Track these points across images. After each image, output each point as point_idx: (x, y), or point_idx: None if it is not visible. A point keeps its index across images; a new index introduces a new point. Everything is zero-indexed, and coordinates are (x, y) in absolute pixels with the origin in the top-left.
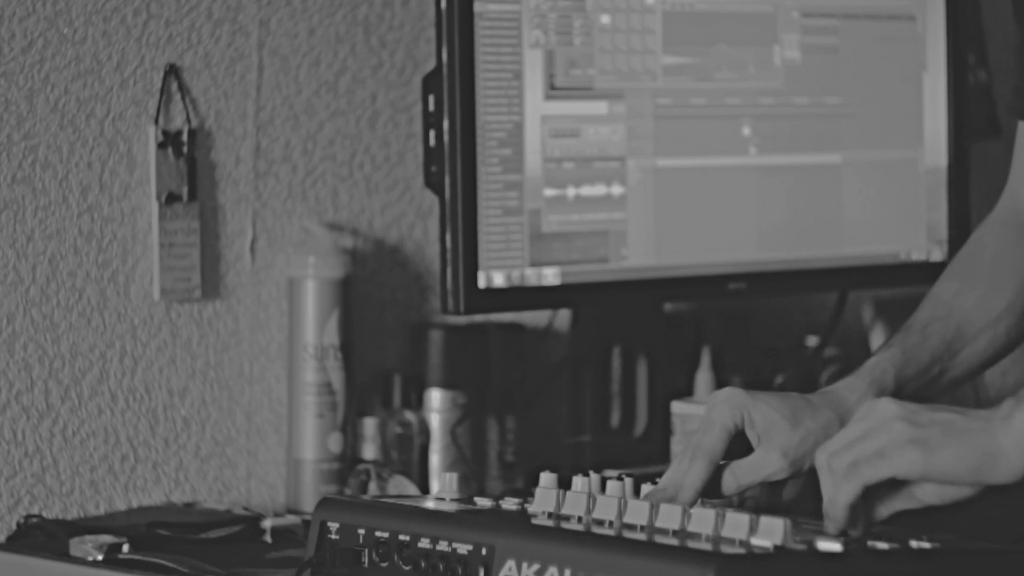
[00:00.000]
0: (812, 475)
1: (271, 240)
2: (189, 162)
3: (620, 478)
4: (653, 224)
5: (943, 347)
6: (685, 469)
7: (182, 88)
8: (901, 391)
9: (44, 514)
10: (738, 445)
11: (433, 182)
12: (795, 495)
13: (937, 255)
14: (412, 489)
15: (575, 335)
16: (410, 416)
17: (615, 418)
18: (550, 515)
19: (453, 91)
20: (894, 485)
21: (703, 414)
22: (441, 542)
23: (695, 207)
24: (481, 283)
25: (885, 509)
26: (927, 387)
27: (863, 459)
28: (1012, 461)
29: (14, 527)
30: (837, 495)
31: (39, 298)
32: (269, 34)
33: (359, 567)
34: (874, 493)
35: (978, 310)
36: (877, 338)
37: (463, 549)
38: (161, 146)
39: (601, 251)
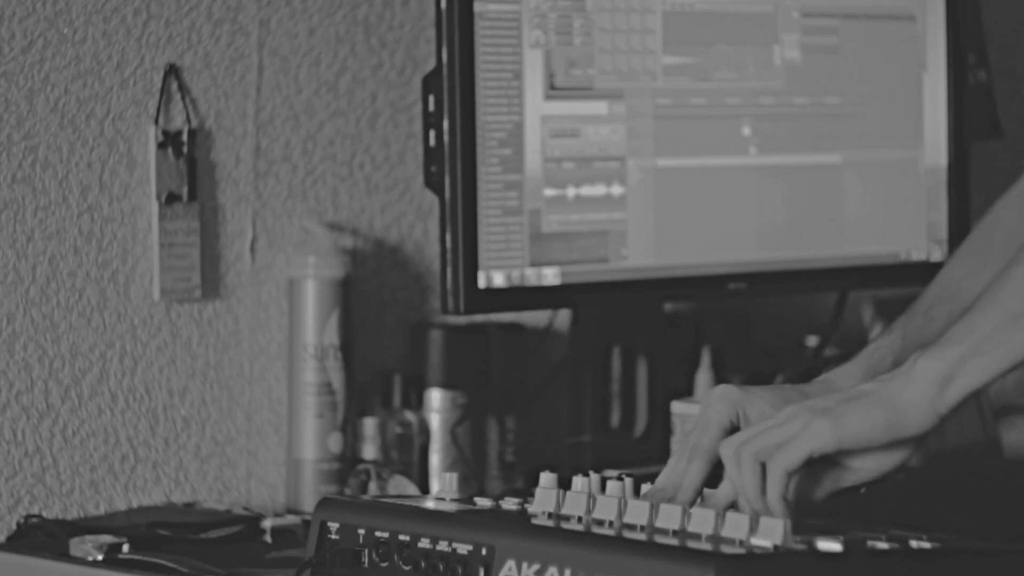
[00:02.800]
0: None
1: (271, 240)
2: (189, 162)
3: (620, 478)
4: (653, 224)
5: (947, 331)
6: (683, 469)
7: (182, 88)
8: None
9: (44, 514)
10: None
11: (433, 182)
12: (795, 495)
13: (937, 255)
14: (412, 489)
15: (575, 335)
16: (410, 416)
17: (615, 418)
18: (550, 515)
19: (453, 91)
20: (823, 466)
21: (699, 413)
22: (441, 542)
23: (695, 207)
24: (481, 283)
25: (821, 491)
26: None
27: (772, 445)
28: (921, 410)
29: (14, 527)
30: (768, 491)
31: (39, 298)
32: (269, 34)
33: (359, 567)
34: (805, 479)
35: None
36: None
37: (463, 549)
38: (161, 146)
39: (601, 251)
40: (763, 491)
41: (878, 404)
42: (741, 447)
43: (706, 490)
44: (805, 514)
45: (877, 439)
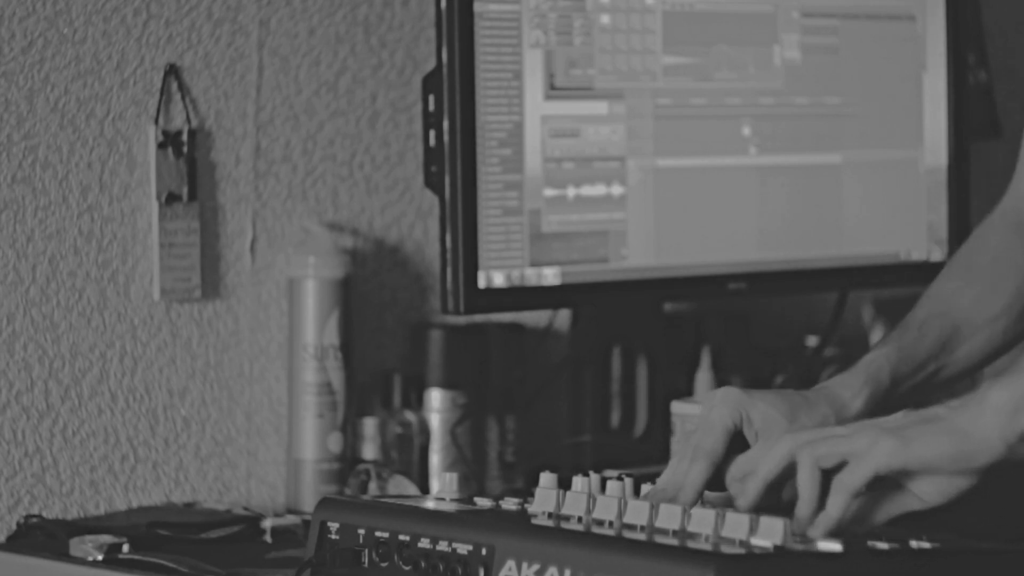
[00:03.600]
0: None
1: (271, 240)
2: (189, 162)
3: (620, 478)
4: (653, 224)
5: (939, 345)
6: (685, 470)
7: (182, 88)
8: (896, 388)
9: (44, 514)
10: (735, 445)
11: (433, 182)
12: (794, 495)
13: (937, 255)
14: (412, 489)
15: (575, 335)
16: (410, 416)
17: (615, 418)
18: (550, 515)
19: (453, 91)
20: (888, 489)
21: (701, 415)
22: (441, 542)
23: (695, 207)
24: (481, 283)
25: (882, 515)
26: (922, 385)
27: (836, 455)
28: (991, 441)
29: (14, 527)
30: (829, 510)
31: (39, 298)
32: (269, 34)
33: (359, 567)
34: (867, 502)
35: (976, 308)
36: (877, 338)
37: (463, 549)
38: (161, 146)
39: (601, 251)
40: (820, 502)
41: (949, 432)
42: (802, 448)
43: (707, 492)
44: (864, 534)
45: (945, 466)
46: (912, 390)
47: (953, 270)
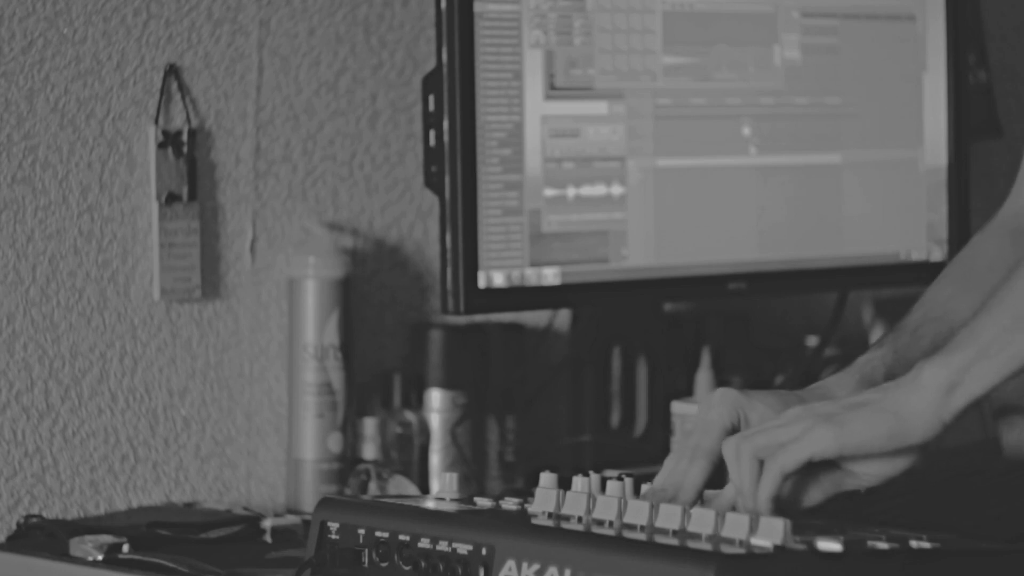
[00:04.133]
0: (810, 473)
1: (271, 240)
2: (189, 162)
3: (620, 478)
4: (653, 224)
5: (934, 348)
6: (684, 470)
7: (182, 88)
8: None
9: (44, 514)
10: None
11: (433, 182)
12: (790, 495)
13: (937, 255)
14: (412, 489)
15: (575, 335)
16: (410, 416)
17: (615, 418)
18: (550, 515)
19: (453, 91)
20: (824, 469)
21: (699, 415)
22: (441, 542)
23: (695, 207)
24: (481, 283)
25: (820, 494)
26: None
27: (774, 444)
28: (926, 418)
29: (14, 527)
30: (759, 489)
31: (39, 298)
32: (269, 34)
33: (359, 567)
34: (804, 481)
35: (971, 314)
36: (877, 338)
37: (463, 549)
38: (161, 146)
39: (601, 251)
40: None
41: (883, 412)
42: (742, 443)
43: (707, 491)
44: (797, 514)
45: (880, 447)
46: None
47: (949, 276)
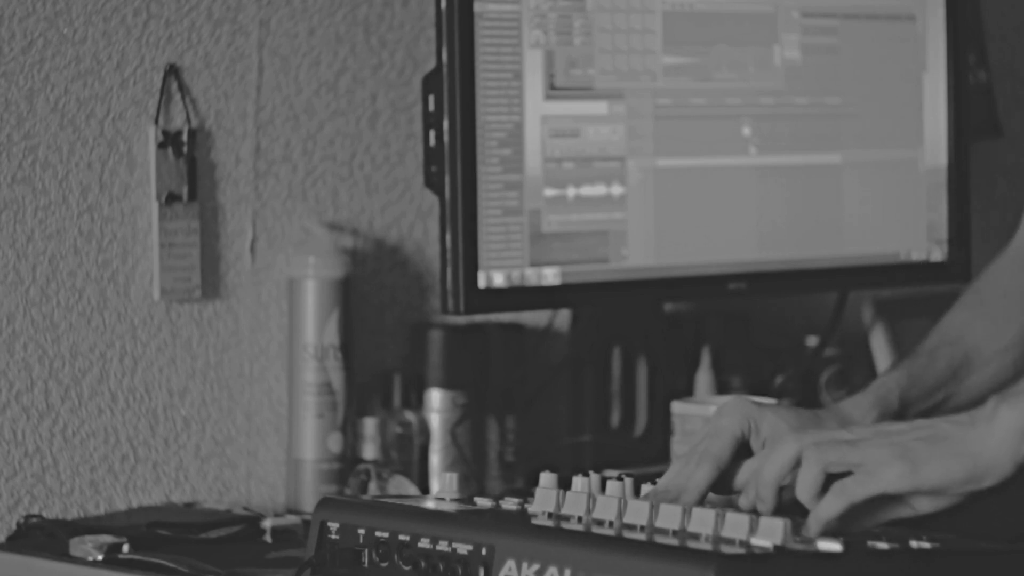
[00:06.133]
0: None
1: (271, 240)
2: (189, 162)
3: (620, 478)
4: (653, 224)
5: (949, 373)
6: (690, 472)
7: (182, 88)
8: (905, 412)
9: (44, 514)
10: (741, 455)
11: (433, 182)
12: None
13: (937, 255)
14: (412, 489)
15: (575, 335)
16: (410, 416)
17: (615, 418)
18: (550, 515)
19: (453, 91)
20: (879, 497)
21: (710, 420)
22: (441, 542)
23: (695, 207)
24: (481, 283)
25: (870, 520)
26: (931, 411)
27: (844, 464)
28: (1001, 464)
29: (14, 527)
30: (821, 509)
31: (39, 298)
32: (269, 34)
33: (359, 567)
34: (860, 505)
35: (987, 339)
36: (877, 338)
37: (463, 549)
38: (161, 146)
39: (601, 251)
40: (816, 498)
41: (960, 456)
42: (811, 449)
43: (711, 495)
44: (847, 534)
45: (955, 489)
46: (920, 415)
47: (964, 303)
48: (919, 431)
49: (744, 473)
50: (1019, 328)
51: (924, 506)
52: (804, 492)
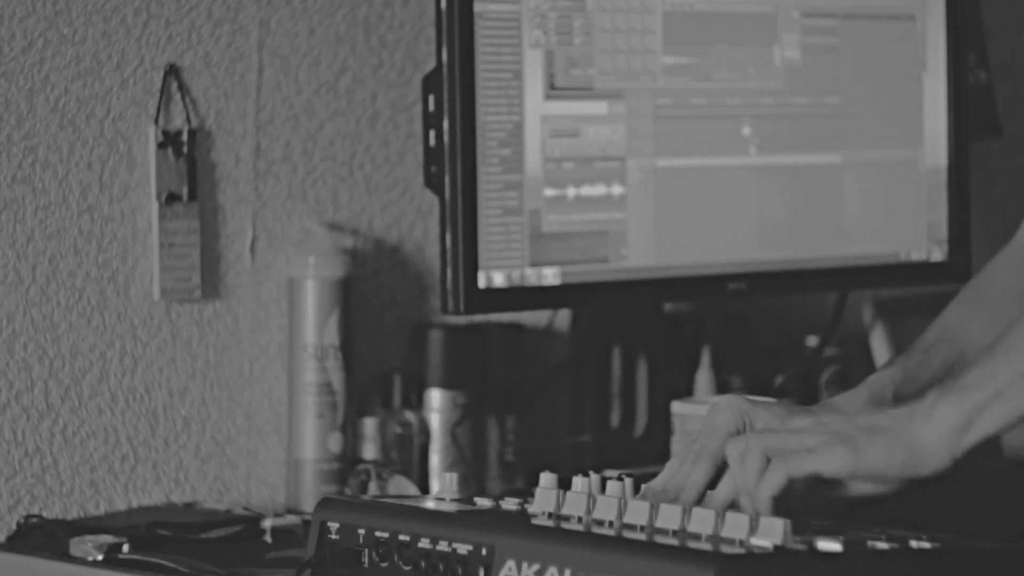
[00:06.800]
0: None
1: (271, 240)
2: (189, 162)
3: (620, 478)
4: (653, 224)
5: (944, 369)
6: (687, 472)
7: (182, 88)
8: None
9: (44, 514)
10: None
11: (433, 182)
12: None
13: (937, 255)
14: (412, 489)
15: (575, 335)
16: (410, 416)
17: (615, 418)
18: (550, 515)
19: (453, 91)
20: (816, 481)
21: (705, 419)
22: (441, 542)
23: (695, 207)
24: (481, 283)
25: (808, 503)
26: None
27: (785, 449)
28: (938, 454)
29: (14, 527)
30: (762, 486)
31: (39, 298)
32: (269, 34)
33: (359, 567)
34: (798, 484)
35: (984, 337)
36: (877, 338)
37: (463, 549)
38: (161, 146)
39: (601, 251)
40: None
41: (898, 443)
42: (751, 439)
43: (709, 491)
44: (792, 515)
45: (892, 475)
46: None
47: (962, 300)
48: (859, 420)
49: (722, 492)
50: None
51: (863, 488)
52: (745, 478)
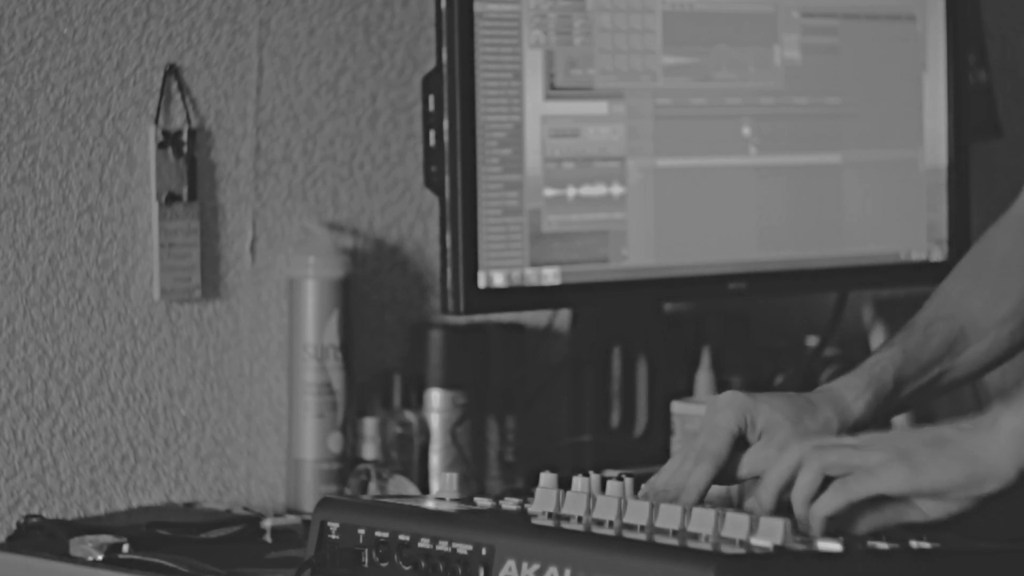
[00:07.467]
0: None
1: (271, 240)
2: (189, 162)
3: (620, 478)
4: (653, 224)
5: (945, 348)
6: (688, 471)
7: (182, 88)
8: (900, 390)
9: (44, 514)
10: (738, 448)
11: (433, 182)
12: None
13: (937, 255)
14: (412, 489)
15: (575, 335)
16: (410, 416)
17: (615, 418)
18: (550, 515)
19: (453, 91)
20: (888, 499)
21: (705, 417)
22: (441, 542)
23: (695, 207)
24: (481, 283)
25: (876, 521)
26: (926, 387)
27: (844, 466)
28: (1003, 468)
29: (14, 527)
30: (818, 506)
31: (39, 298)
32: (269, 34)
33: (359, 567)
34: (863, 506)
35: (983, 311)
36: (877, 338)
37: (463, 549)
38: (161, 146)
39: (601, 251)
40: (811, 501)
41: (960, 458)
42: (811, 453)
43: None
44: (850, 536)
45: (956, 492)
46: (916, 393)
47: (961, 272)
48: (921, 435)
49: (746, 468)
50: (1016, 298)
51: (933, 509)
52: (799, 492)
